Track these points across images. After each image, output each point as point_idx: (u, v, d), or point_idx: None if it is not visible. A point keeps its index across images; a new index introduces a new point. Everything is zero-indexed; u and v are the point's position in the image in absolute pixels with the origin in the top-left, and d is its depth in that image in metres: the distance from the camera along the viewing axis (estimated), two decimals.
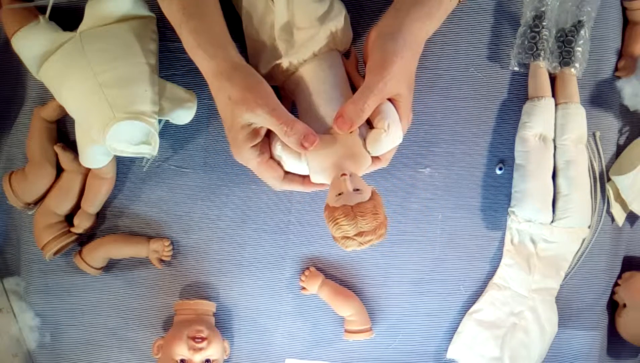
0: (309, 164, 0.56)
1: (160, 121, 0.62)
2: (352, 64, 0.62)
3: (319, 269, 0.71)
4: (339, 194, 0.52)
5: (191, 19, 0.55)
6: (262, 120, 0.53)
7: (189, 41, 0.55)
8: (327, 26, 0.59)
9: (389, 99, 0.55)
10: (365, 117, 0.54)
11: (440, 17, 0.58)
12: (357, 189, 0.52)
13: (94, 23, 0.61)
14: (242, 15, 0.62)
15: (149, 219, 0.70)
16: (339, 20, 0.60)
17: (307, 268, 0.71)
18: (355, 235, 0.52)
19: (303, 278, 0.70)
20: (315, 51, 0.59)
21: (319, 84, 0.59)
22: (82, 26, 0.61)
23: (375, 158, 0.58)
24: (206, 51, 0.54)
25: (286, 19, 0.59)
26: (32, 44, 0.61)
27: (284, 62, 0.59)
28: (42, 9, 0.63)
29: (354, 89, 0.61)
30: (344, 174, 0.53)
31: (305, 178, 0.58)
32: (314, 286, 0.69)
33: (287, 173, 0.58)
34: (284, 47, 0.59)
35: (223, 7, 0.58)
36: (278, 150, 0.56)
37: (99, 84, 0.58)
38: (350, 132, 0.54)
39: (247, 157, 0.55)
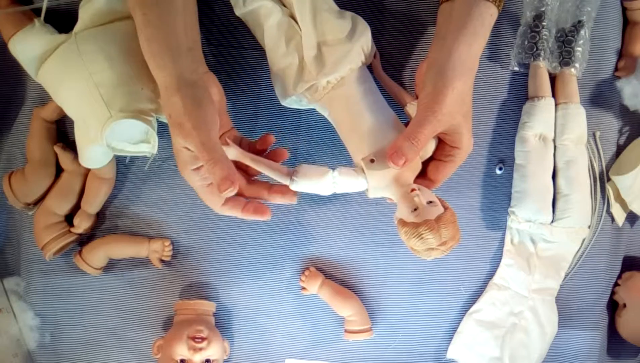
0: (368, 181, 0.56)
1: (157, 119, 0.62)
2: (377, 64, 0.64)
3: (318, 269, 0.71)
4: (415, 209, 0.53)
5: (148, 26, 0.53)
6: (193, 149, 0.51)
7: (144, 48, 0.53)
8: (358, 43, 0.59)
9: (448, 131, 0.54)
10: (419, 151, 0.53)
11: (485, 33, 0.56)
12: (430, 202, 0.53)
13: (88, 24, 0.61)
14: (266, 42, 0.61)
15: (148, 219, 0.70)
16: (366, 37, 0.60)
17: (307, 268, 0.71)
18: (439, 245, 0.52)
19: (303, 278, 0.70)
20: (352, 67, 0.59)
21: (360, 99, 0.59)
22: (77, 27, 0.61)
23: (431, 182, 0.58)
24: (156, 61, 0.52)
25: (315, 39, 0.59)
26: (29, 47, 0.61)
27: (322, 82, 0.59)
28: (37, 12, 0.63)
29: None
30: (413, 190, 0.54)
31: (245, 205, 0.56)
32: (314, 287, 0.69)
33: (227, 200, 0.55)
34: (314, 67, 0.59)
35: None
36: (334, 177, 0.55)
37: (94, 84, 0.58)
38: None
39: (189, 178, 0.53)
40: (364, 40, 0.60)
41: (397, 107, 0.63)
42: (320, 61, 0.59)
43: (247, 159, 0.55)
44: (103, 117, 0.57)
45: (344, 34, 0.59)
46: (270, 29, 0.61)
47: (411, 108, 0.61)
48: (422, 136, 0.53)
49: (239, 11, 0.63)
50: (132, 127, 0.59)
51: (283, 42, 0.60)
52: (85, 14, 0.61)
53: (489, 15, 0.55)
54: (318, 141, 0.70)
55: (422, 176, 0.58)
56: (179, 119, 0.50)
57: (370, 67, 0.64)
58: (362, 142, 0.57)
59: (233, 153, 0.54)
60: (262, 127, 0.69)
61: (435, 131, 0.53)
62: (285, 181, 0.54)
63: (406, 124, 0.56)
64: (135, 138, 0.60)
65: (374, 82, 0.62)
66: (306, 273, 0.70)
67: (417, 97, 0.60)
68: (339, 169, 0.56)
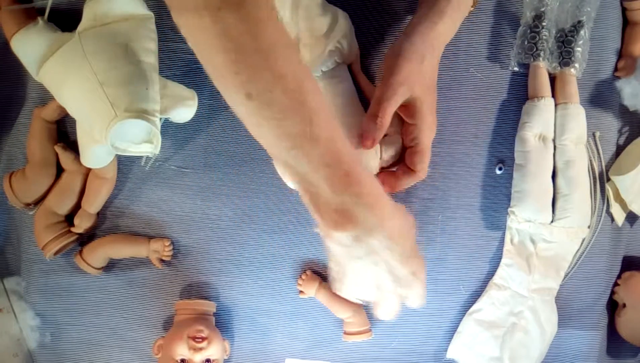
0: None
1: (160, 119, 0.62)
2: (355, 62, 0.63)
3: (319, 270, 0.71)
4: None
5: (317, 93, 0.45)
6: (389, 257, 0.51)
7: (312, 117, 0.43)
8: (333, 42, 0.59)
9: (406, 105, 0.55)
10: (385, 128, 0.54)
11: (453, 14, 0.56)
12: None
13: (92, 23, 0.61)
14: None
15: (149, 219, 0.70)
16: (344, 36, 0.60)
17: (304, 272, 0.71)
18: None
19: (300, 282, 0.70)
20: (324, 69, 0.59)
21: (331, 100, 0.59)
22: (81, 26, 0.61)
23: (412, 172, 0.58)
24: (332, 132, 0.45)
25: (293, 36, 0.59)
26: (31, 45, 0.61)
27: None
28: (40, 11, 0.63)
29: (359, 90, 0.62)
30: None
31: None
32: (311, 290, 0.69)
33: None
34: None
35: None
36: None
37: (99, 84, 0.58)
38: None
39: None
40: (343, 40, 0.59)
41: None
42: None
43: None
44: (108, 116, 0.57)
45: (322, 32, 0.59)
46: None
47: None
48: (383, 113, 0.53)
49: None
50: (136, 128, 0.59)
51: None
52: (90, 13, 0.61)
53: None
54: None
55: (404, 168, 0.58)
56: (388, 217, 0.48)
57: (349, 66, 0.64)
58: None
59: None
60: None
61: (395, 103, 0.53)
62: None
63: None
64: (139, 138, 0.60)
65: (353, 84, 0.61)
66: (303, 276, 0.70)
67: None
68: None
